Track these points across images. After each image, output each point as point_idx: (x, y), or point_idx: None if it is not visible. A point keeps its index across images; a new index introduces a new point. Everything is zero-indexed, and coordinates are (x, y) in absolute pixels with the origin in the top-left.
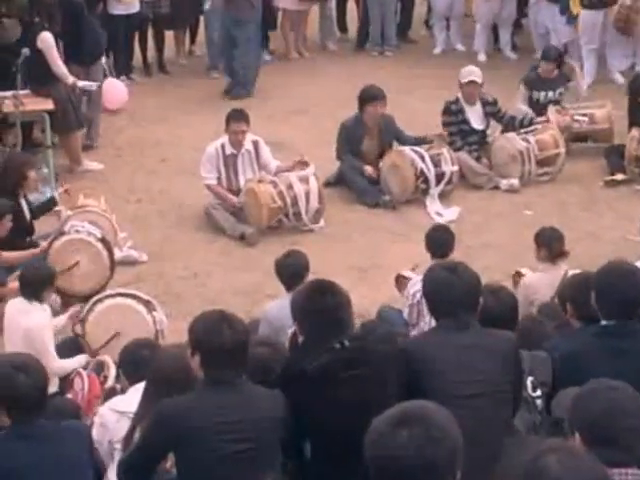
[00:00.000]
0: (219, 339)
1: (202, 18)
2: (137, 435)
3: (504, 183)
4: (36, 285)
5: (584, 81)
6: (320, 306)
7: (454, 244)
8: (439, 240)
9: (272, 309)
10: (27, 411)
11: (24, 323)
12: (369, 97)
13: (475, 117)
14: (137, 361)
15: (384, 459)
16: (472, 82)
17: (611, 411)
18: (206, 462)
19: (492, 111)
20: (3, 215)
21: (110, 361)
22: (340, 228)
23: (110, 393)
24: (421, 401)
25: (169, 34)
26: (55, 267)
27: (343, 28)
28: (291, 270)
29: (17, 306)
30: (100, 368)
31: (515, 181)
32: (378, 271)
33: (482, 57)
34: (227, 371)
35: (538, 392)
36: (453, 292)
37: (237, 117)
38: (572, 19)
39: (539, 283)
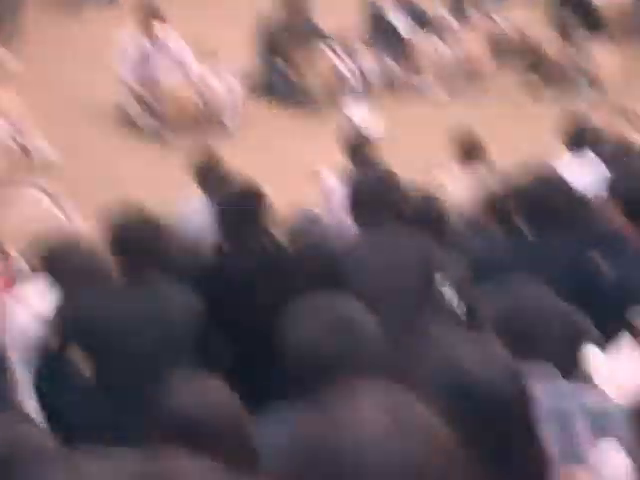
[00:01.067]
0: (124, 234)
1: None
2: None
3: (431, 92)
4: None
5: None
6: (239, 207)
7: (367, 151)
8: (358, 149)
9: (187, 208)
10: None
11: None
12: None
13: (402, 22)
14: (46, 255)
15: (297, 346)
16: None
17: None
18: (117, 360)
19: (423, 20)
20: None
21: (14, 253)
22: (259, 130)
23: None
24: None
25: None
26: None
27: None
28: (206, 172)
29: None
30: (4, 259)
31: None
32: (297, 174)
33: None
34: (137, 269)
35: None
36: (376, 202)
37: (149, 13)
38: None
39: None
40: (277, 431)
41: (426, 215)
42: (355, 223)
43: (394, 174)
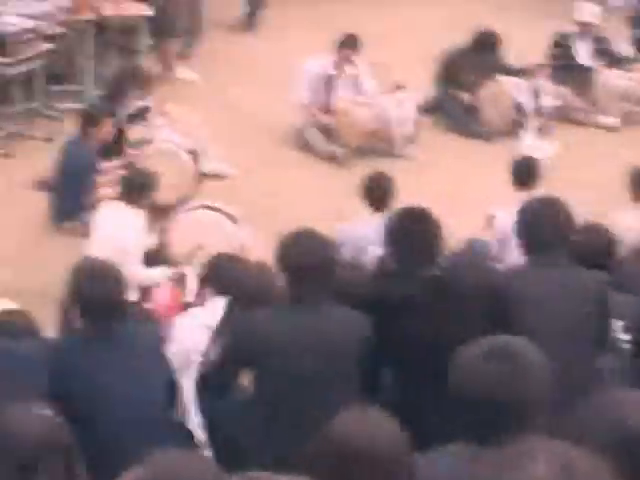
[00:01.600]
0: (298, 255)
1: None
2: (216, 350)
3: (604, 120)
4: (136, 189)
5: None
6: (413, 232)
7: (538, 176)
8: (523, 171)
9: (353, 230)
10: (99, 317)
11: (115, 226)
12: (487, 45)
13: (583, 53)
14: (219, 275)
15: (471, 392)
16: (588, 24)
17: None
18: (283, 381)
19: (603, 48)
20: (102, 118)
21: (191, 273)
22: (432, 155)
23: (189, 305)
24: (510, 336)
25: None
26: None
27: None
28: (377, 193)
29: (112, 208)
30: (181, 280)
31: (616, 119)
32: (467, 201)
33: None
34: (308, 289)
35: (629, 336)
36: (546, 228)
37: (351, 44)
38: None
39: (631, 224)
40: (440, 471)
41: (596, 248)
42: (524, 252)
43: (564, 203)
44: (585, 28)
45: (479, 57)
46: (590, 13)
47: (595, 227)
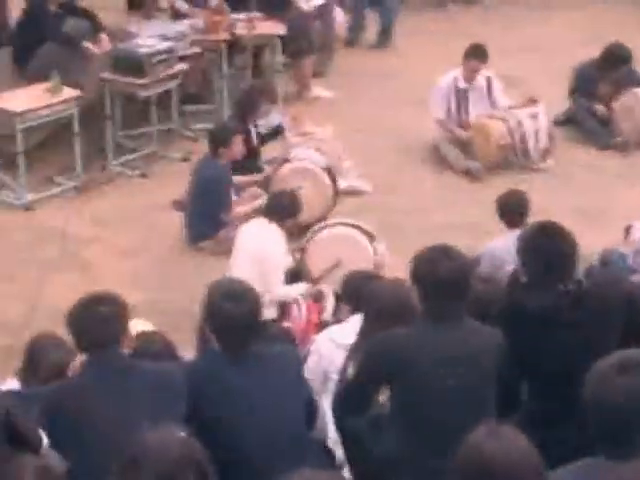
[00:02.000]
0: (436, 271)
1: None
2: (352, 367)
3: None
4: (282, 209)
5: None
6: (547, 248)
7: None
8: None
9: (494, 246)
10: (236, 338)
11: (258, 243)
12: (617, 60)
13: None
14: (357, 292)
15: (603, 405)
16: None
17: None
18: (420, 397)
19: None
20: (233, 137)
21: (329, 291)
22: (568, 168)
23: (327, 323)
24: None
25: None
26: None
27: None
28: (513, 209)
29: (254, 227)
30: (319, 297)
31: None
32: (604, 215)
33: None
34: (445, 304)
35: None
36: None
37: (479, 55)
38: None
39: None
40: None
41: None
42: None
43: None
44: None
45: (612, 70)
46: None
47: None
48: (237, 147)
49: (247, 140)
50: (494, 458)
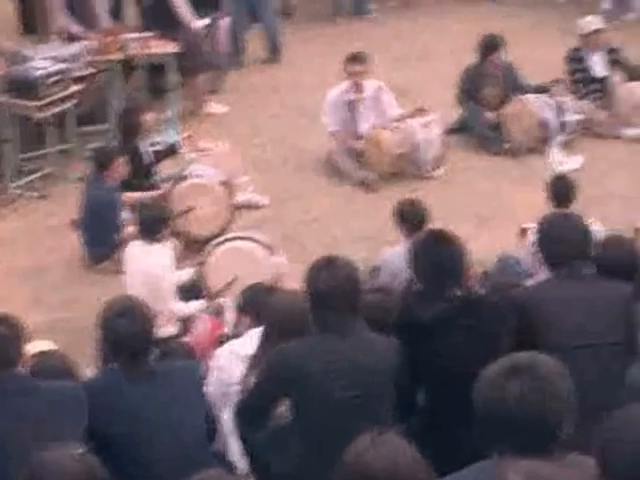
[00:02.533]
0: (316, 282)
1: None
2: (253, 379)
3: (627, 132)
4: (152, 225)
5: None
6: (436, 255)
7: (575, 194)
8: (561, 190)
9: (390, 256)
10: (131, 354)
11: (144, 265)
12: (492, 46)
13: (598, 65)
14: (257, 305)
15: (492, 409)
16: (596, 31)
17: None
18: (319, 408)
19: (615, 58)
20: (113, 159)
21: (229, 305)
22: (461, 175)
23: (228, 337)
24: (532, 352)
25: None
26: (175, 210)
27: None
28: (410, 217)
29: (137, 248)
30: (219, 312)
31: (638, 131)
32: (499, 219)
33: (606, 5)
34: (331, 315)
35: None
36: (566, 241)
37: (353, 59)
38: None
39: None
40: None
41: (619, 260)
42: (547, 267)
43: (581, 217)
44: (593, 40)
45: (490, 55)
46: (593, 23)
47: (618, 239)
48: (121, 168)
49: (136, 158)
50: (375, 467)
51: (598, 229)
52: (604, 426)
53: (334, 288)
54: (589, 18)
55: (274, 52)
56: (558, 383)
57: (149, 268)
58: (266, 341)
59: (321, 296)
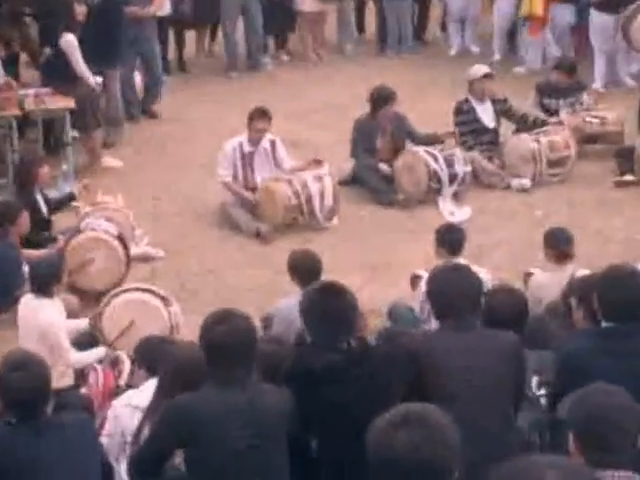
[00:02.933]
0: (210, 335)
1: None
2: (147, 430)
3: (516, 183)
4: (43, 281)
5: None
6: (327, 307)
7: (464, 243)
8: (450, 240)
9: (284, 306)
10: (26, 407)
11: (35, 320)
12: (382, 100)
13: (486, 115)
14: (152, 356)
15: (384, 458)
16: (484, 76)
17: (603, 413)
18: (214, 458)
19: (503, 109)
20: (18, 213)
21: (125, 356)
22: (354, 226)
23: (124, 387)
24: (421, 403)
25: (189, 34)
26: (70, 264)
27: (361, 29)
28: (304, 268)
29: (29, 303)
30: (115, 363)
31: (526, 181)
32: (390, 269)
33: (497, 56)
34: (231, 368)
35: (543, 391)
36: (455, 293)
37: (261, 115)
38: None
39: (547, 283)
40: None
41: (509, 308)
42: (435, 315)
43: (470, 269)
44: (481, 87)
45: (381, 108)
46: (479, 68)
47: (506, 289)
48: (25, 222)
49: (35, 211)
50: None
51: (487, 278)
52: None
53: (230, 342)
54: (477, 66)
55: (150, 103)
56: (447, 432)
57: (41, 322)
58: (162, 392)
59: (217, 349)
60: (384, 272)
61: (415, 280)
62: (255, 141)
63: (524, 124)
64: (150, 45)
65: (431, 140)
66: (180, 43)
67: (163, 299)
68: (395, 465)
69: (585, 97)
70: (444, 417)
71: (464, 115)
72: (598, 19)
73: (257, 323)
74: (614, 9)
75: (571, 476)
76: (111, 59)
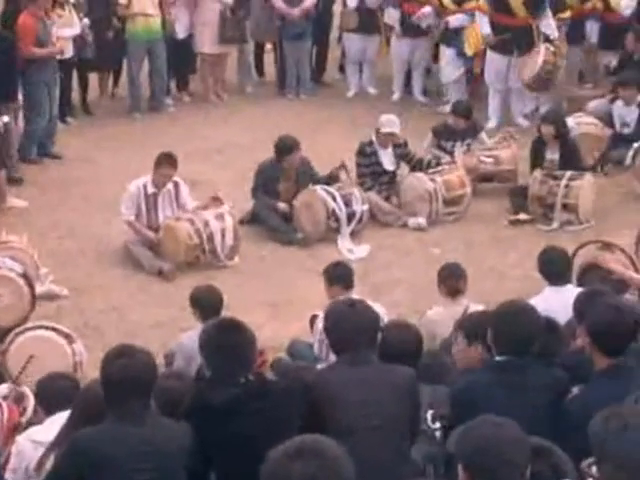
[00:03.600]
0: (108, 371)
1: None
2: (50, 465)
3: (412, 222)
4: None
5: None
6: (225, 343)
7: (353, 278)
8: (342, 275)
9: (185, 341)
10: None
11: None
12: (286, 149)
13: (387, 159)
14: (54, 393)
15: None
16: (391, 134)
17: (491, 445)
18: None
19: (402, 153)
20: None
21: (29, 392)
22: (254, 265)
23: (28, 424)
24: (315, 435)
25: (92, 76)
26: None
27: (261, 72)
28: (205, 303)
29: None
30: (20, 399)
31: (423, 220)
32: (290, 306)
33: (396, 97)
34: (127, 402)
35: (437, 424)
36: (352, 328)
37: (169, 162)
38: (467, 60)
39: (440, 318)
40: None
41: (404, 344)
42: (333, 350)
43: (366, 305)
44: (388, 139)
45: (284, 159)
46: (391, 123)
47: (401, 325)
48: None
49: None
50: None
51: (382, 312)
52: None
53: (128, 377)
54: (390, 119)
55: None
56: (342, 463)
57: None
58: (69, 427)
59: (115, 385)
60: (285, 309)
61: (313, 319)
62: (159, 185)
63: (420, 166)
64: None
65: (329, 179)
66: (84, 86)
67: (67, 336)
68: None
69: (483, 136)
70: (338, 449)
71: (366, 158)
72: (492, 59)
73: (160, 360)
74: (508, 50)
75: None
76: (12, 94)
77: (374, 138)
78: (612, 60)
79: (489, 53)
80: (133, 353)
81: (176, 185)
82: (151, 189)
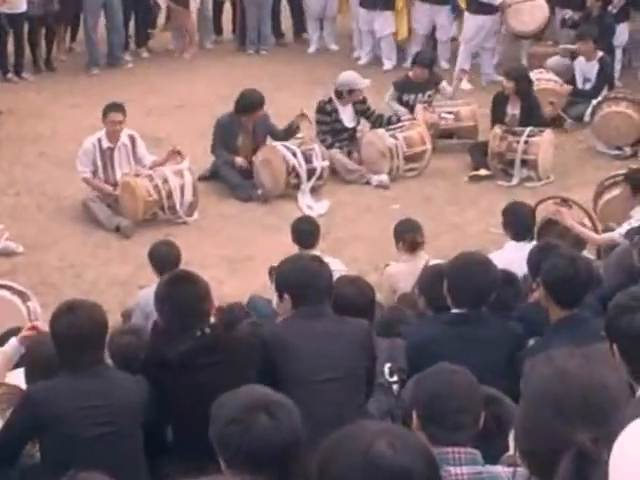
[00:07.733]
0: (60, 327)
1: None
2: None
3: (375, 179)
4: None
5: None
6: (178, 295)
7: (319, 235)
8: (304, 232)
9: (142, 297)
10: None
11: None
12: (251, 107)
13: (347, 115)
14: None
15: (229, 444)
16: (351, 91)
17: (443, 391)
18: (68, 445)
19: (362, 109)
20: None
21: None
22: (213, 221)
23: None
24: (264, 388)
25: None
26: None
27: (218, 30)
28: (163, 259)
29: None
30: None
31: (384, 177)
32: (250, 262)
33: (357, 54)
34: (78, 356)
35: (395, 378)
36: (308, 281)
37: (114, 108)
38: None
39: (400, 273)
40: None
41: (360, 298)
42: (291, 305)
43: (319, 258)
44: (349, 95)
45: (248, 114)
46: (357, 82)
47: (353, 278)
48: None
49: None
50: None
51: (341, 269)
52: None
53: (74, 332)
54: (350, 75)
55: None
56: (290, 417)
57: None
58: (28, 382)
59: (63, 340)
60: (245, 266)
61: (273, 272)
62: (113, 137)
63: (380, 122)
64: None
65: (289, 132)
66: (50, 41)
67: (21, 294)
68: (238, 448)
69: (444, 85)
70: (287, 402)
71: (326, 115)
72: (473, 21)
73: (117, 317)
74: (492, 10)
75: (400, 443)
76: None
77: (333, 95)
78: (568, 12)
79: (467, 15)
80: (79, 308)
81: (132, 139)
82: (106, 143)
